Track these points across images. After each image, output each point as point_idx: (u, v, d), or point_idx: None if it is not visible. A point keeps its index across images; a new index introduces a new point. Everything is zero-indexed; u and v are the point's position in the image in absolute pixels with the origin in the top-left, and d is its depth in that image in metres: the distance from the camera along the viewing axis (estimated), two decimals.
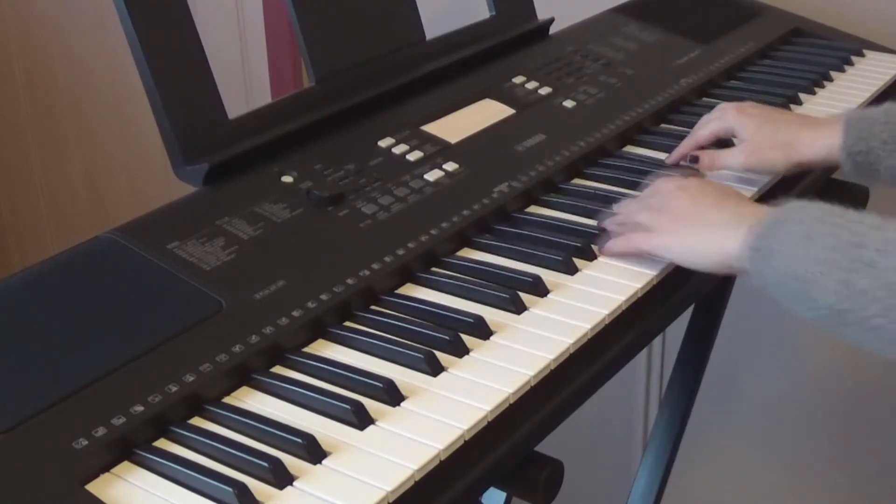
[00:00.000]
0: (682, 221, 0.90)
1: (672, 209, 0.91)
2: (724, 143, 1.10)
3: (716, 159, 1.06)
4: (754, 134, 1.05)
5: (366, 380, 0.77)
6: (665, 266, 0.92)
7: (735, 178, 1.07)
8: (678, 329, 1.44)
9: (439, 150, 1.06)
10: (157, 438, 0.72)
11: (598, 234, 0.96)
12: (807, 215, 0.80)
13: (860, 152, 1.00)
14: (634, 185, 1.06)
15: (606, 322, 0.86)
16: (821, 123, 1.05)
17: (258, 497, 0.67)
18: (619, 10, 1.45)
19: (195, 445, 0.72)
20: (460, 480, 0.71)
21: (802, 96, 1.29)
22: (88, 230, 0.95)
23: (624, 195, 1.03)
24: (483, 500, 0.86)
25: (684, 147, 1.10)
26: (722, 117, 1.08)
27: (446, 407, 0.75)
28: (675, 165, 1.09)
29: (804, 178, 1.12)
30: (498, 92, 1.19)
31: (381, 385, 0.76)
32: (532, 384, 0.78)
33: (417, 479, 0.69)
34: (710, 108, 1.25)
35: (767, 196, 1.08)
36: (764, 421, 1.82)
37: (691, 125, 1.19)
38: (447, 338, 0.81)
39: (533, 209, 1.03)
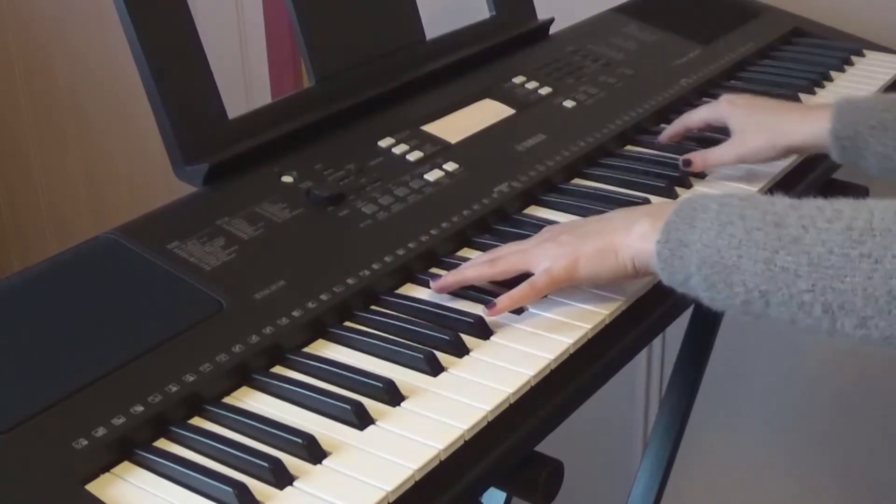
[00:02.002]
0: (573, 242, 0.85)
1: (555, 238, 0.86)
2: (712, 141, 1.10)
3: (707, 159, 1.07)
4: (743, 121, 1.06)
5: (366, 380, 0.77)
6: None
7: (736, 177, 1.07)
8: (678, 329, 1.44)
9: (439, 150, 1.06)
10: (157, 438, 0.72)
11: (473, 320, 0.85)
12: (714, 203, 0.78)
13: (847, 137, 1.00)
14: (634, 185, 1.06)
15: (606, 322, 0.86)
16: (810, 109, 1.06)
17: (258, 497, 0.67)
18: (619, 10, 1.45)
19: (195, 445, 0.72)
20: (460, 480, 0.71)
21: (802, 96, 1.29)
22: (88, 230, 0.96)
23: (624, 195, 1.04)
24: (483, 500, 0.86)
25: (675, 127, 1.12)
26: (716, 105, 1.09)
27: (446, 407, 0.75)
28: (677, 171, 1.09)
29: (805, 178, 1.12)
30: (498, 92, 1.19)
31: (381, 385, 0.76)
32: (532, 384, 0.78)
33: (417, 479, 0.69)
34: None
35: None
36: (764, 421, 1.82)
37: None
38: (447, 338, 0.81)
39: (533, 209, 1.03)
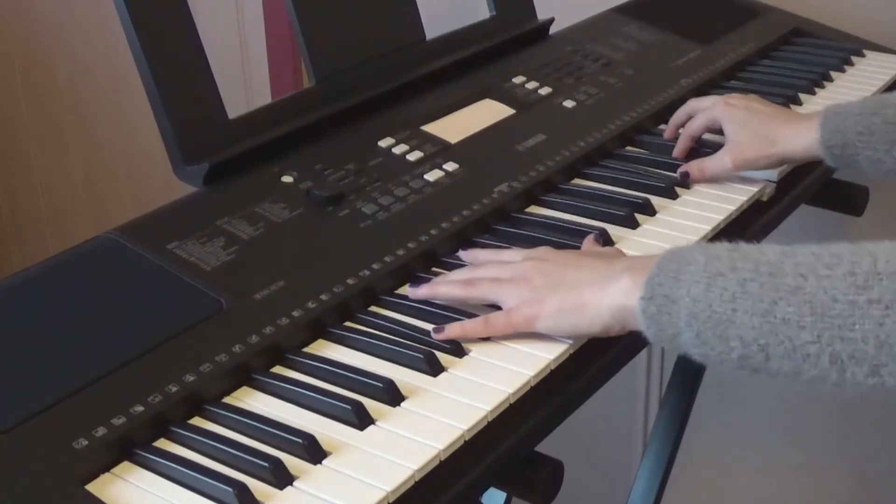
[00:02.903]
0: (543, 289, 0.81)
1: (531, 279, 0.82)
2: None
3: (704, 170, 1.07)
4: (738, 129, 1.06)
5: (366, 380, 0.77)
6: None
7: (737, 177, 1.07)
8: None
9: (439, 150, 1.06)
10: (157, 438, 0.72)
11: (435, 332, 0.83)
12: (700, 255, 0.73)
13: (836, 145, 1.01)
14: (634, 186, 1.06)
15: None
16: (801, 119, 1.06)
17: (258, 497, 0.67)
18: (619, 10, 1.45)
19: (195, 445, 0.72)
20: (460, 480, 0.71)
21: (802, 96, 1.29)
22: (88, 230, 0.96)
23: (624, 195, 1.04)
24: (483, 500, 0.86)
25: (683, 141, 1.12)
26: (711, 108, 1.10)
27: (446, 407, 0.75)
28: (679, 175, 1.09)
29: (805, 179, 1.12)
30: (498, 92, 1.19)
31: (381, 385, 0.76)
32: (532, 384, 0.78)
33: (417, 479, 0.69)
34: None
35: (770, 199, 1.08)
36: (764, 420, 1.82)
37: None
38: None
39: (533, 209, 1.03)
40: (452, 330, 0.82)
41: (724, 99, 1.10)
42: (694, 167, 1.07)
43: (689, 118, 1.13)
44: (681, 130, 1.14)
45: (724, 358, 0.72)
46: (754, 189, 1.06)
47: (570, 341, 0.82)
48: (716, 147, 1.10)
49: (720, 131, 1.09)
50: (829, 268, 0.69)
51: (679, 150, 1.12)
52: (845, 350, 0.67)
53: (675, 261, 0.74)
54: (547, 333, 0.81)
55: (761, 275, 0.70)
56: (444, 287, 0.86)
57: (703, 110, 1.11)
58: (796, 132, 1.04)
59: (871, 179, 1.05)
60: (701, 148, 1.13)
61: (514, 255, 0.88)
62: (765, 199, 1.07)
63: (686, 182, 1.07)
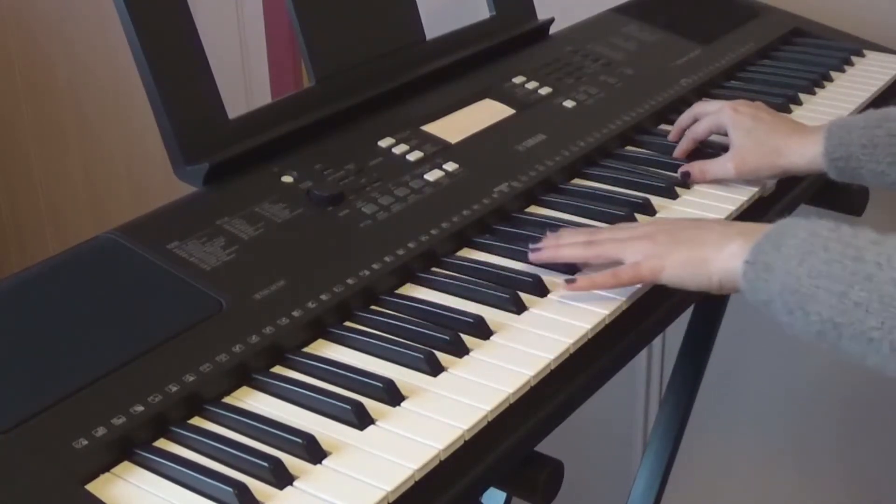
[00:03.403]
0: (668, 244, 0.87)
1: (653, 236, 0.88)
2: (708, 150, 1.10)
3: (706, 172, 1.07)
4: (744, 137, 1.07)
5: (366, 380, 0.77)
6: None
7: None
8: (678, 329, 1.44)
9: (439, 150, 1.06)
10: (157, 438, 0.72)
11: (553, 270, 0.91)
12: (803, 231, 0.79)
13: (840, 158, 1.02)
14: (634, 185, 1.06)
15: (606, 322, 0.86)
16: (806, 131, 1.07)
17: (258, 497, 0.67)
18: (619, 10, 1.45)
19: (195, 445, 0.72)
20: (460, 480, 0.71)
21: (802, 96, 1.29)
22: (88, 230, 0.96)
23: (624, 195, 1.04)
24: (483, 500, 0.86)
25: (686, 143, 1.12)
26: (718, 113, 1.10)
27: (446, 407, 0.75)
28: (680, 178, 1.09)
29: (805, 179, 1.12)
30: (498, 92, 1.19)
31: (381, 385, 0.76)
32: (532, 384, 0.78)
33: (417, 479, 0.69)
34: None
35: (769, 199, 1.08)
36: (764, 420, 1.82)
37: None
38: (447, 338, 0.81)
39: (533, 209, 1.03)
40: (582, 283, 0.87)
41: (731, 105, 1.10)
42: (696, 168, 1.07)
43: (695, 121, 1.13)
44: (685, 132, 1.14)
45: (805, 330, 0.77)
46: (754, 189, 1.06)
47: (570, 340, 0.82)
48: (718, 148, 1.10)
49: (724, 135, 1.09)
50: None
51: (680, 150, 1.12)
52: None
53: (781, 233, 0.80)
54: (669, 285, 0.87)
55: (846, 258, 0.75)
56: (567, 249, 0.91)
57: (710, 114, 1.11)
58: (801, 145, 1.04)
59: (881, 191, 1.05)
60: (703, 148, 1.13)
61: (630, 224, 0.94)
62: (766, 195, 1.07)
63: (686, 182, 1.07)
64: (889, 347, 0.72)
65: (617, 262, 0.89)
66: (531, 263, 0.92)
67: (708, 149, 1.12)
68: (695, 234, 0.87)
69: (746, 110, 1.09)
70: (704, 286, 0.86)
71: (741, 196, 1.05)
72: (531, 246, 0.92)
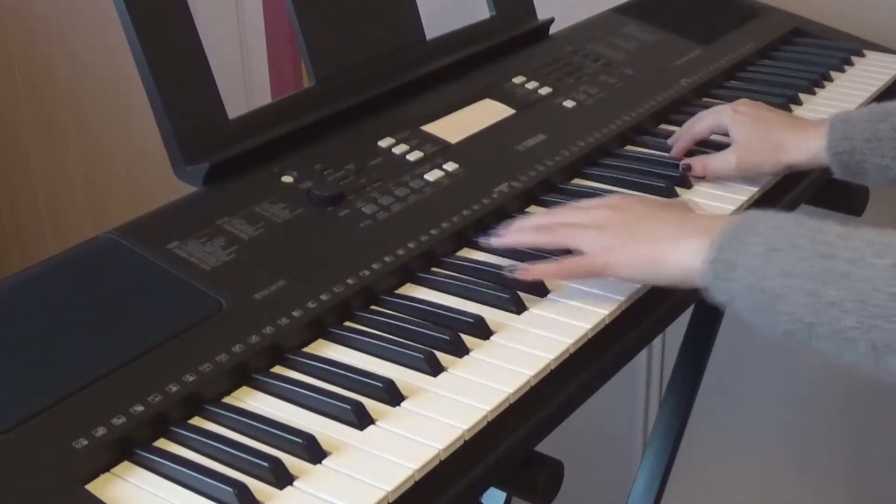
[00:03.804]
0: (622, 238, 0.85)
1: (608, 226, 0.86)
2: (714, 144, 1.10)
3: (707, 166, 1.07)
4: (746, 134, 1.06)
5: (366, 380, 0.77)
6: None
7: (738, 176, 1.07)
8: (678, 329, 1.44)
9: (439, 150, 1.06)
10: (157, 438, 0.72)
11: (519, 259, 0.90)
12: (767, 226, 0.77)
13: (844, 152, 1.01)
14: (634, 185, 1.06)
15: (606, 322, 0.86)
16: (808, 126, 1.06)
17: (258, 497, 0.67)
18: (619, 10, 1.45)
19: (195, 445, 0.72)
20: (460, 480, 0.71)
21: (802, 96, 1.29)
22: (88, 230, 0.96)
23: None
24: (483, 500, 0.86)
25: (684, 141, 1.12)
26: (718, 113, 1.10)
27: (446, 407, 0.75)
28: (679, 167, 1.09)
29: (804, 179, 1.12)
30: (498, 92, 1.19)
31: (381, 385, 0.76)
32: (532, 384, 0.78)
33: (417, 479, 0.69)
34: (710, 107, 1.26)
35: (769, 196, 1.08)
36: (764, 420, 1.82)
37: None
38: (447, 338, 0.81)
39: (533, 209, 1.03)
40: (529, 272, 0.86)
41: (732, 104, 1.10)
42: (698, 162, 1.07)
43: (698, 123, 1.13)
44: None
45: (771, 330, 0.76)
46: (755, 189, 1.06)
47: (570, 340, 0.82)
48: (717, 149, 1.10)
49: (725, 135, 1.09)
50: (878, 257, 0.71)
51: (678, 149, 1.12)
52: (881, 339, 0.70)
53: (741, 228, 0.78)
54: (620, 279, 0.86)
55: (815, 255, 0.73)
56: (516, 235, 0.90)
57: (710, 114, 1.11)
58: (804, 140, 1.04)
59: (882, 187, 1.05)
60: (702, 148, 1.13)
61: (590, 202, 0.91)
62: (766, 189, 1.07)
63: (687, 175, 1.07)
64: (866, 346, 0.71)
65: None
66: (483, 250, 0.91)
67: (707, 149, 1.12)
68: (650, 229, 0.84)
69: (747, 109, 1.09)
70: (654, 283, 0.85)
71: (741, 196, 1.05)
72: (487, 234, 0.92)
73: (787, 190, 1.10)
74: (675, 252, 0.82)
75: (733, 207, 1.03)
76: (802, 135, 1.05)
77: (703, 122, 1.11)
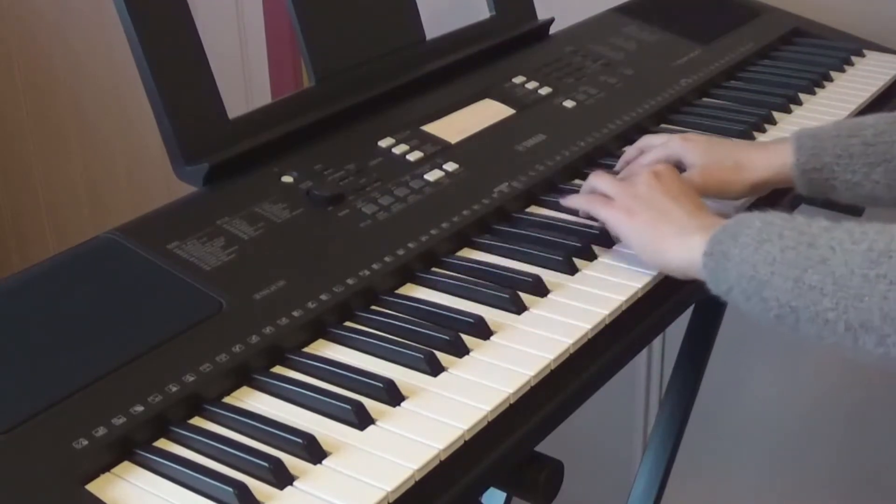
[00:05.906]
0: (642, 230, 0.91)
1: (636, 214, 0.92)
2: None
3: None
4: (702, 156, 1.01)
5: (366, 380, 0.77)
6: None
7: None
8: (678, 329, 1.44)
9: (439, 150, 1.06)
10: (157, 438, 0.72)
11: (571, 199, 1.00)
12: (758, 220, 0.82)
13: (814, 169, 0.99)
14: None
15: (606, 322, 0.86)
16: (767, 144, 1.05)
17: (258, 497, 0.67)
18: (619, 10, 1.45)
19: (195, 445, 0.72)
20: (460, 480, 0.71)
21: (802, 96, 1.29)
22: (88, 230, 0.96)
23: None
24: (483, 500, 0.86)
25: (630, 168, 1.06)
26: (666, 144, 1.04)
27: (446, 407, 0.75)
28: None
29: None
30: (498, 92, 1.19)
31: (381, 385, 0.76)
32: (532, 384, 0.78)
33: (417, 479, 0.69)
34: (710, 107, 1.26)
35: (770, 199, 1.08)
36: (764, 421, 1.82)
37: (691, 125, 1.20)
38: (447, 338, 0.81)
39: (533, 209, 1.03)
40: (569, 201, 1.00)
41: (680, 135, 1.05)
42: None
43: (641, 154, 1.07)
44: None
45: (764, 316, 0.80)
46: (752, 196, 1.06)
47: (570, 340, 0.82)
48: None
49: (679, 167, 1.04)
50: (855, 243, 0.76)
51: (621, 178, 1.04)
52: (857, 319, 0.74)
53: (737, 224, 0.83)
54: (625, 243, 0.93)
55: (800, 244, 0.78)
56: (574, 198, 1.00)
57: (657, 147, 1.05)
58: (765, 158, 1.01)
59: (846, 203, 1.04)
60: None
61: (627, 182, 0.97)
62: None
63: None
64: (844, 327, 0.75)
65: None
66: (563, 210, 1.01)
67: None
68: (665, 217, 0.90)
69: (698, 137, 1.05)
70: (661, 270, 0.91)
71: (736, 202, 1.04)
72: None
73: (787, 190, 1.10)
74: (681, 248, 0.87)
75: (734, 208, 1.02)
76: (763, 154, 1.02)
77: (651, 155, 1.04)
